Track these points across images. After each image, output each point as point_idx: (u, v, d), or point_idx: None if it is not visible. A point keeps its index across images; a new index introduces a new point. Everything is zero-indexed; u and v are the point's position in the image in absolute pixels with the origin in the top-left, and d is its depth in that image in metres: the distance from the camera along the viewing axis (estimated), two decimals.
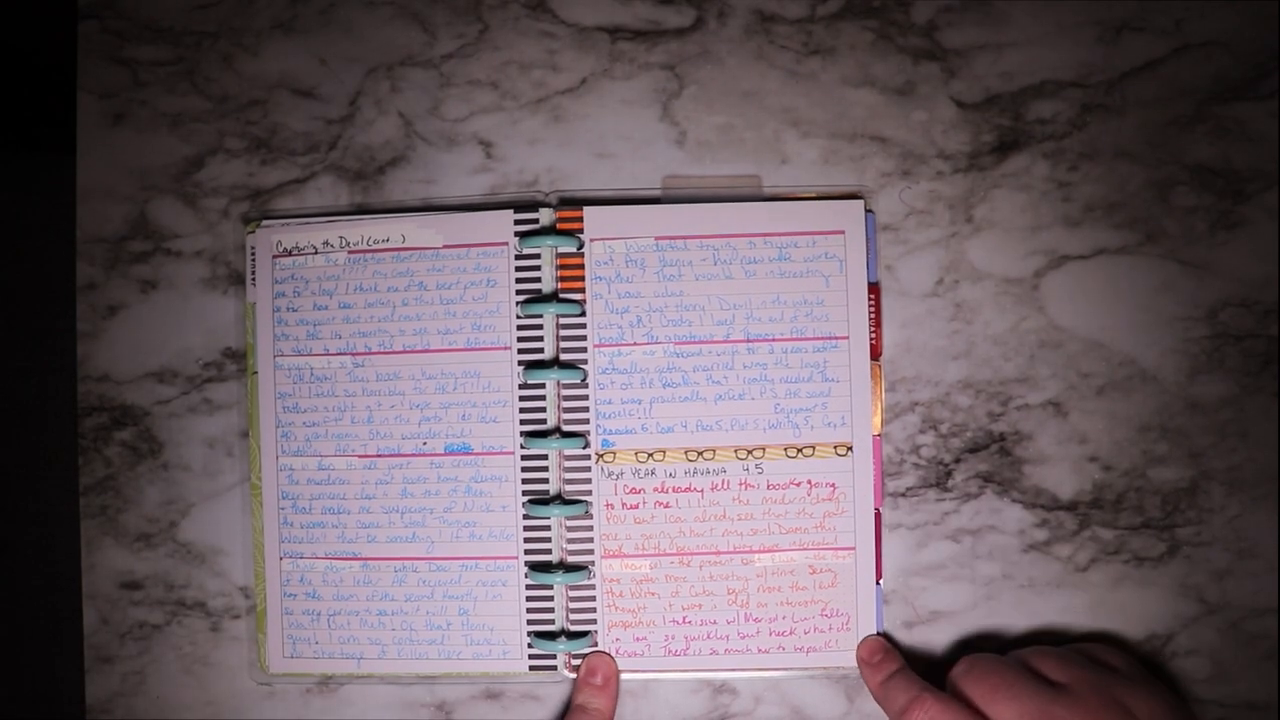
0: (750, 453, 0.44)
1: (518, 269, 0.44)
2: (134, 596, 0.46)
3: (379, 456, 0.45)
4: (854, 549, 0.44)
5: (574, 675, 0.44)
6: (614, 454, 0.44)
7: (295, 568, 0.45)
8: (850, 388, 0.44)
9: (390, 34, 0.46)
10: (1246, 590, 0.44)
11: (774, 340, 0.44)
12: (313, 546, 0.45)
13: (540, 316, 0.44)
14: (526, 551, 0.44)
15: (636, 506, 0.44)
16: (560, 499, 0.44)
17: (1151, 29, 0.44)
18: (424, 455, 0.45)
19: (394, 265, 0.45)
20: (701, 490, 0.44)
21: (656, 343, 0.44)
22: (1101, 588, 0.44)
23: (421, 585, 0.45)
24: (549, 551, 0.44)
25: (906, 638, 0.44)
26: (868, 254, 0.44)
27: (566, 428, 0.44)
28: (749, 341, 0.44)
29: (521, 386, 0.44)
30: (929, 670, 0.43)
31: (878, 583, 0.44)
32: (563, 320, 0.44)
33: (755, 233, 0.44)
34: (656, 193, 0.45)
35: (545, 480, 0.44)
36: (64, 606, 0.66)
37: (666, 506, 0.44)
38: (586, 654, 0.44)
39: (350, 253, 0.45)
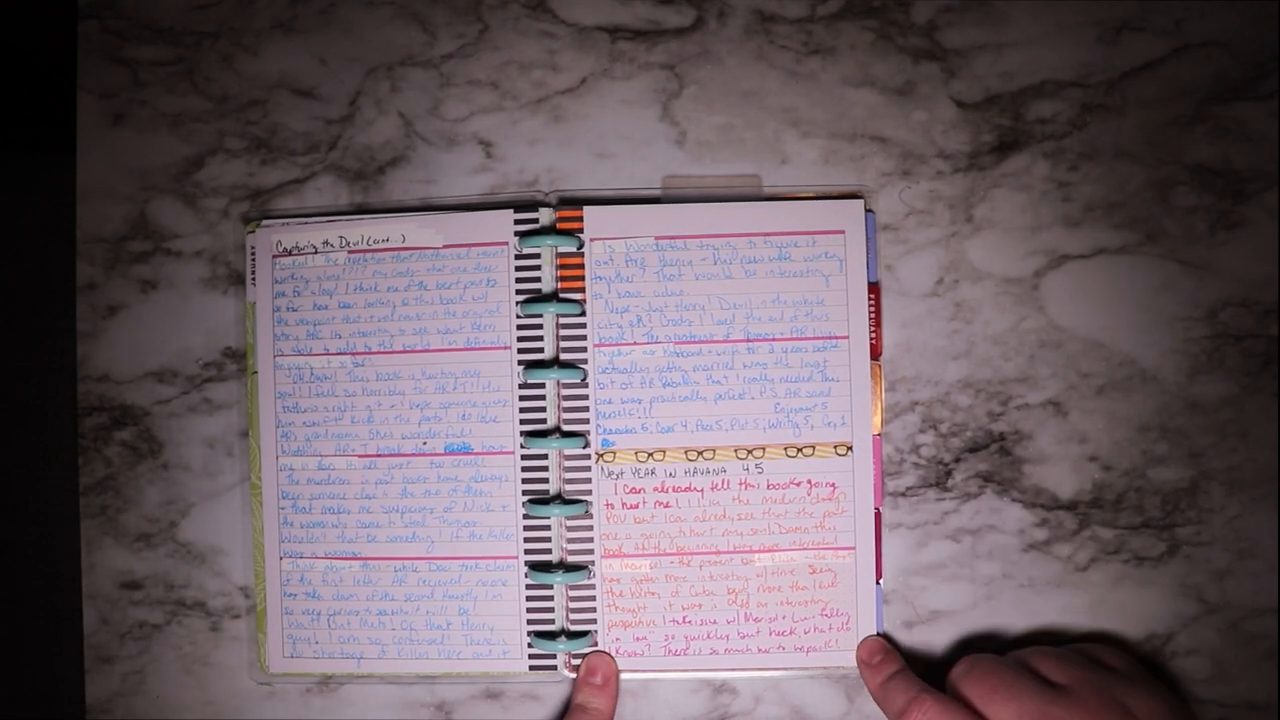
0: (750, 452, 0.44)
1: (518, 269, 0.44)
2: (134, 596, 0.46)
3: (379, 456, 0.45)
4: (854, 549, 0.44)
5: (574, 675, 0.44)
6: (614, 454, 0.44)
7: (295, 567, 0.45)
8: (850, 387, 0.44)
9: (390, 34, 0.46)
10: (1246, 590, 0.44)
11: (774, 340, 0.44)
12: (313, 546, 0.45)
13: (540, 316, 0.44)
14: (526, 551, 0.44)
15: (636, 506, 0.44)
16: (560, 499, 0.44)
17: (1151, 29, 0.44)
18: (424, 455, 0.45)
19: (394, 265, 0.45)
20: (701, 490, 0.44)
21: (656, 342, 0.44)
22: (1101, 587, 0.44)
23: (421, 585, 0.45)
24: (549, 551, 0.44)
25: (906, 637, 0.45)
26: (868, 254, 0.44)
27: (566, 427, 0.44)
28: (749, 341, 0.44)
29: (521, 386, 0.44)
30: (929, 670, 0.43)
31: (878, 582, 0.44)
32: (563, 320, 0.44)
33: (755, 232, 0.44)
34: (656, 192, 0.45)
35: (545, 480, 0.44)
36: (64, 606, 0.66)
37: (666, 506, 0.44)
38: (586, 654, 0.44)
39: (350, 253, 0.45)
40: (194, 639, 0.46)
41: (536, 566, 0.44)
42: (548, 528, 0.44)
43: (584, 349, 0.44)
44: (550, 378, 0.44)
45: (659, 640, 0.44)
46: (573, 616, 0.44)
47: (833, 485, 0.44)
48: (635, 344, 0.44)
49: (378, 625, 0.45)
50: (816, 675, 0.45)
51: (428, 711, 0.45)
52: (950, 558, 0.44)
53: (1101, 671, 0.39)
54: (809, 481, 0.44)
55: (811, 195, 0.45)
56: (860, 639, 0.44)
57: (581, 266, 0.44)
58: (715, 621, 0.44)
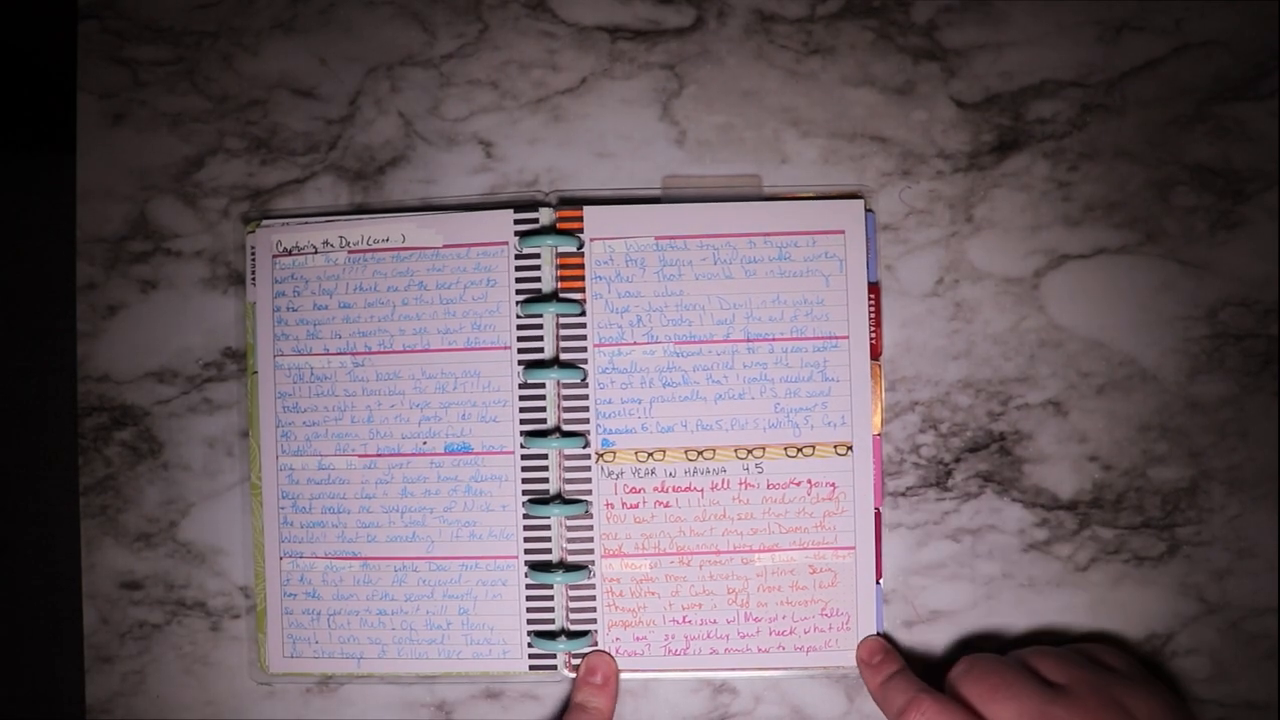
0: (750, 452, 0.44)
1: (518, 269, 0.44)
2: (134, 596, 0.46)
3: (379, 456, 0.45)
4: (854, 548, 0.44)
5: (574, 675, 0.44)
6: (614, 453, 0.44)
7: (295, 567, 0.45)
8: (850, 387, 0.44)
9: (390, 34, 0.46)
10: (1246, 590, 0.44)
11: (774, 340, 0.44)
12: (313, 546, 0.45)
13: (540, 316, 0.44)
14: (526, 551, 0.44)
15: (636, 506, 0.44)
16: (560, 498, 0.44)
17: (1151, 29, 0.44)
18: (424, 455, 0.45)
19: (394, 265, 0.45)
20: (701, 490, 0.44)
21: (656, 342, 0.44)
22: (1101, 587, 0.44)
23: (421, 585, 0.45)
24: (549, 551, 0.44)
25: (906, 637, 0.44)
26: (868, 254, 0.44)
27: (566, 427, 0.44)
28: (749, 341, 0.44)
29: (521, 386, 0.44)
30: (929, 670, 0.43)
31: (878, 582, 0.44)
32: (563, 320, 0.44)
33: (755, 232, 0.44)
34: (656, 192, 0.45)
35: (545, 480, 0.44)
36: (64, 606, 0.66)
37: (666, 506, 0.44)
38: (586, 653, 0.44)
39: (350, 252, 0.45)
40: (194, 639, 0.46)
41: (536, 566, 0.44)
42: (548, 528, 0.44)
43: (584, 349, 0.44)
44: (550, 378, 0.44)
45: (659, 640, 0.44)
46: (573, 616, 0.44)
47: (833, 485, 0.44)
48: (635, 344, 0.44)
49: (378, 625, 0.45)
50: (816, 675, 0.45)
51: (428, 711, 0.45)
52: (950, 557, 0.44)
53: (1101, 671, 0.39)
54: (809, 481, 0.44)
55: (811, 195, 0.45)
56: (860, 639, 0.44)
57: (581, 266, 0.44)
58: (715, 621, 0.44)
